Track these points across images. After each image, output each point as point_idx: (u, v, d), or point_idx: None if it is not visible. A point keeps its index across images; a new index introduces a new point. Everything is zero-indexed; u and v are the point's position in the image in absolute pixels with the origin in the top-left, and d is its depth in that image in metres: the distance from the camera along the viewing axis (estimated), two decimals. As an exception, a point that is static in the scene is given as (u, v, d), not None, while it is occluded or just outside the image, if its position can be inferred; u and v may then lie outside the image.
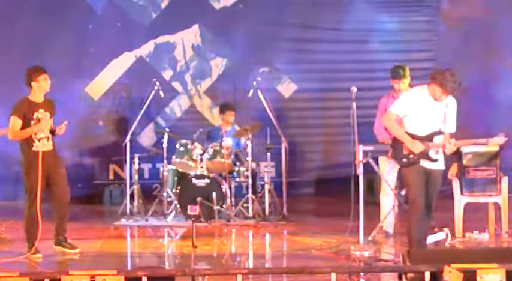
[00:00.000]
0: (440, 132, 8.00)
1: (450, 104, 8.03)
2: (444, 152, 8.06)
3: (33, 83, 8.73)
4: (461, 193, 9.72)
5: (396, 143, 8.09)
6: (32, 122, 8.68)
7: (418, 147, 7.92)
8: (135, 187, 11.66)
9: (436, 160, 8.01)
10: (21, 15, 13.59)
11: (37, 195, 8.66)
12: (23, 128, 8.68)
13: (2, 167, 13.49)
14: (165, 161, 11.56)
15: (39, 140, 8.70)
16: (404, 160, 8.00)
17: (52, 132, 8.84)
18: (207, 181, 11.02)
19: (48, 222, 8.97)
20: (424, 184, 7.97)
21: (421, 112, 7.97)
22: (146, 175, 13.70)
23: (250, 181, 11.34)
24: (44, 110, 8.76)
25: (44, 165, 8.66)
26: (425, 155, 7.95)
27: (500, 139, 8.03)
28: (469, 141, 8.19)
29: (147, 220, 11.20)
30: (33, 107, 8.72)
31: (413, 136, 7.96)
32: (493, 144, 8.07)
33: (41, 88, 8.74)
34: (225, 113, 12.06)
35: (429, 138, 7.98)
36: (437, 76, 7.87)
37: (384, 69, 12.24)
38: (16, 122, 8.68)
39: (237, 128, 12.05)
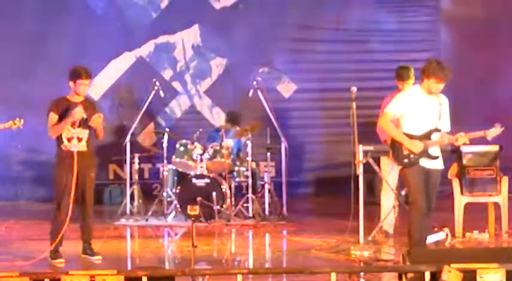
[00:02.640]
0: (437, 130, 8.03)
1: (443, 101, 8.08)
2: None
3: (70, 83, 8.64)
4: (461, 193, 9.72)
5: (395, 144, 8.09)
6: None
7: (417, 147, 7.94)
8: (135, 187, 11.66)
9: (436, 158, 8.03)
10: (21, 15, 13.60)
11: (62, 197, 8.53)
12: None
13: (2, 167, 13.50)
14: (165, 161, 11.56)
15: (68, 140, 8.55)
16: (406, 160, 8.01)
17: (90, 131, 8.62)
18: (207, 181, 11.02)
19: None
20: (424, 184, 7.98)
21: (417, 111, 7.99)
22: (146, 175, 13.70)
23: (250, 181, 11.35)
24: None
25: (73, 166, 8.48)
26: (425, 153, 7.97)
27: (497, 130, 8.05)
28: (474, 134, 8.16)
29: (147, 220, 11.20)
30: (70, 106, 8.59)
31: (410, 136, 7.98)
32: (491, 135, 8.07)
33: (76, 90, 8.62)
34: (229, 124, 12.00)
35: (427, 136, 8.00)
36: (426, 70, 7.98)
37: (384, 69, 12.29)
38: (53, 117, 8.58)
39: (237, 128, 12.04)
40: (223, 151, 11.31)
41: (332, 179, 13.42)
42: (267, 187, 11.35)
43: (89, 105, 8.77)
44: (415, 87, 8.21)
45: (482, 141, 8.49)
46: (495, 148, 9.66)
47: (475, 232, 9.63)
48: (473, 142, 8.37)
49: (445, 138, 8.05)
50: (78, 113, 8.50)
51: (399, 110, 8.05)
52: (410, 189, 8.08)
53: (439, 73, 7.88)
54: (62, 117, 8.57)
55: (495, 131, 8.07)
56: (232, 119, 12.12)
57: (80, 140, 8.61)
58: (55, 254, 8.56)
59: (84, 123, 8.58)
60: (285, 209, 11.41)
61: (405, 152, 8.00)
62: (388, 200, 9.68)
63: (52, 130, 8.59)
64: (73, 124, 8.57)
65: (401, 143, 7.99)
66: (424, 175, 7.99)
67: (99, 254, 8.72)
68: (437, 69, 7.90)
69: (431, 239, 8.72)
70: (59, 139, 8.60)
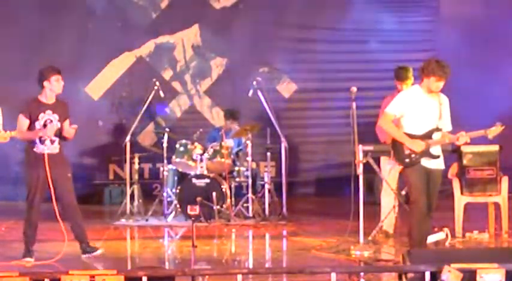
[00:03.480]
0: (438, 129, 8.04)
1: (443, 101, 8.08)
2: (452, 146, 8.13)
3: (45, 83, 8.50)
4: (461, 193, 9.71)
5: (396, 144, 8.09)
6: (37, 123, 8.45)
7: (418, 146, 7.94)
8: (135, 186, 11.65)
9: (437, 157, 8.03)
10: (21, 15, 13.60)
11: (34, 197, 8.50)
12: (29, 128, 8.46)
13: (1, 168, 13.49)
14: (165, 161, 11.56)
15: (42, 142, 8.47)
16: (407, 160, 8.01)
17: (60, 136, 8.57)
18: (207, 181, 11.02)
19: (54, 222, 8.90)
20: (425, 184, 7.98)
21: (417, 111, 7.99)
22: (146, 175, 13.71)
23: (250, 181, 11.35)
24: (53, 111, 8.50)
25: (45, 168, 8.41)
26: (426, 153, 7.97)
27: (497, 128, 8.04)
28: (475, 132, 8.15)
29: (147, 220, 11.20)
30: (41, 108, 8.49)
31: (411, 136, 7.98)
32: (492, 133, 8.07)
33: (52, 88, 8.51)
34: (229, 121, 12.03)
35: (428, 135, 8.00)
36: (425, 69, 7.98)
37: (384, 69, 12.28)
38: (22, 120, 8.47)
39: (237, 127, 12.04)
40: (223, 151, 11.31)
41: (332, 179, 13.43)
42: (267, 187, 11.35)
43: (61, 106, 8.65)
44: (414, 87, 8.22)
45: (483, 140, 8.49)
46: (495, 147, 9.66)
47: (475, 232, 9.63)
48: (474, 141, 8.36)
49: (446, 137, 8.06)
50: (50, 131, 8.41)
51: (399, 110, 8.05)
52: (411, 189, 8.08)
53: (439, 71, 7.89)
54: (32, 120, 8.45)
55: (496, 129, 8.07)
56: (231, 115, 12.11)
57: (52, 142, 8.53)
58: (28, 253, 8.54)
59: (55, 133, 8.52)
60: (285, 209, 11.40)
61: (406, 152, 8.00)
62: (388, 200, 9.67)
63: (20, 135, 8.40)
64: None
65: (403, 143, 7.99)
66: (425, 175, 7.99)
67: (98, 248, 8.74)
68: (437, 67, 7.90)
69: (431, 239, 8.72)
70: (31, 141, 8.50)
